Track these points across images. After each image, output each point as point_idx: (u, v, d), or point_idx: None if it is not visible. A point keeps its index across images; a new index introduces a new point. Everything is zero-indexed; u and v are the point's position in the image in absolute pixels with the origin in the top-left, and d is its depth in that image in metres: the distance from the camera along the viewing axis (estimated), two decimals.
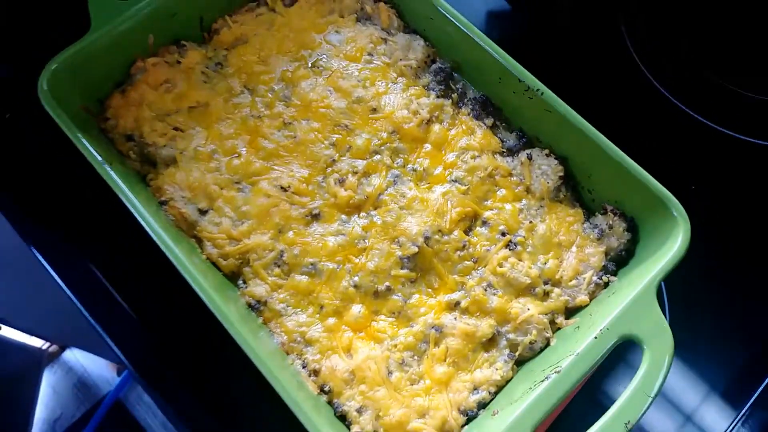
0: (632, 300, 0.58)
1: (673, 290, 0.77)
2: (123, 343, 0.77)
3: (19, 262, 1.28)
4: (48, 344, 1.96)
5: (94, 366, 2.03)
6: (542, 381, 0.57)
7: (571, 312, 0.66)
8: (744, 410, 0.74)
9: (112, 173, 0.66)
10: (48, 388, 2.00)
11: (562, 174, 0.68)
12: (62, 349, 2.05)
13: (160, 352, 0.77)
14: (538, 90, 0.67)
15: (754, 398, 0.74)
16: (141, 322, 0.78)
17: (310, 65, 0.76)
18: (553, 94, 0.67)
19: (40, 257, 0.82)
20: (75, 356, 2.05)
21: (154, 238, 0.64)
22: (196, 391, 0.75)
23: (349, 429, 0.61)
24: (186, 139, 0.72)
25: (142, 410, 1.95)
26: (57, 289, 0.84)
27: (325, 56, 0.76)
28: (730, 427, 0.73)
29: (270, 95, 0.74)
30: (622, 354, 0.73)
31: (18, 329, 1.70)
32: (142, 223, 0.64)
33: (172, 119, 0.73)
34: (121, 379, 1.95)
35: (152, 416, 1.96)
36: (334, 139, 0.71)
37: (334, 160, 0.71)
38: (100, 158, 0.67)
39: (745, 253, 0.82)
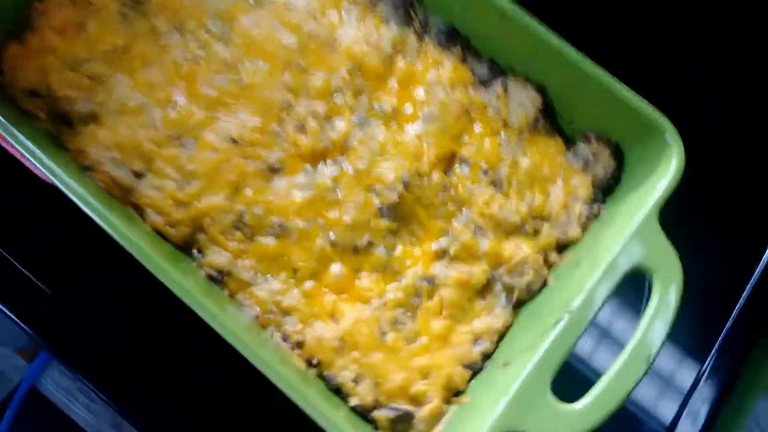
0: (636, 229, 0.55)
1: None
2: (35, 322, 0.75)
3: None
4: None
5: (0, 355, 1.82)
6: (555, 323, 0.53)
7: (561, 248, 0.62)
8: (708, 360, 0.73)
9: (20, 135, 0.55)
10: None
11: (540, 104, 0.64)
12: None
13: (83, 332, 0.75)
14: (509, 9, 0.61)
15: (716, 347, 0.73)
16: (58, 299, 0.72)
17: None
18: (526, 13, 0.61)
19: None
20: None
21: (81, 204, 0.54)
22: (127, 374, 0.74)
23: (347, 402, 0.55)
24: (106, 90, 0.61)
25: (61, 396, 1.77)
26: None
27: None
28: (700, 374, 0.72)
29: (205, 34, 0.63)
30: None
31: None
32: (64, 189, 0.54)
33: (86, 68, 0.61)
34: (33, 366, 1.75)
35: (74, 401, 1.78)
36: (288, 81, 0.62)
37: (290, 105, 0.62)
38: (3, 120, 0.55)
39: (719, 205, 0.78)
